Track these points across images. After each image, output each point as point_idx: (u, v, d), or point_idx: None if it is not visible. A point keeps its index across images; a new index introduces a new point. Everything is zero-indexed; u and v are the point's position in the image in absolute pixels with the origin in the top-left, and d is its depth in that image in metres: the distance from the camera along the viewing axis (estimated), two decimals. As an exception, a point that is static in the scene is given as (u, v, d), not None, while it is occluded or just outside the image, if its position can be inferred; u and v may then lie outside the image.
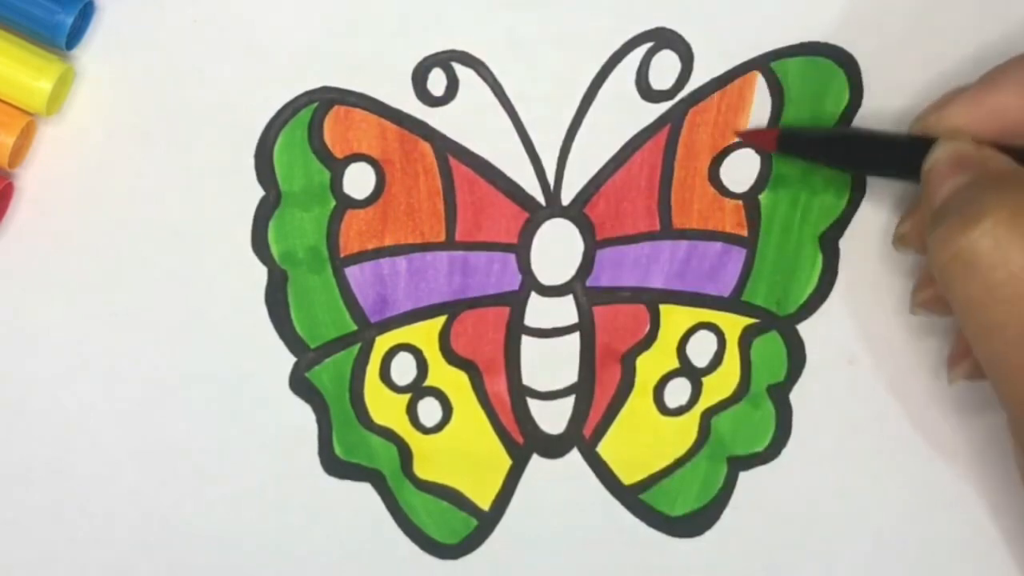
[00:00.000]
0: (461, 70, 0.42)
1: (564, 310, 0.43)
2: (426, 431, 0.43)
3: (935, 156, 0.38)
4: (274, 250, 0.42)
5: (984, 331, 0.36)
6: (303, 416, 0.42)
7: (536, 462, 0.43)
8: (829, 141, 0.42)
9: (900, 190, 0.43)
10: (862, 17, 0.42)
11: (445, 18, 0.41)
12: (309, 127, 0.41)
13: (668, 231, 0.43)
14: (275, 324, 0.42)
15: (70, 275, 0.42)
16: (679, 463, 0.44)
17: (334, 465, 0.43)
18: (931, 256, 0.36)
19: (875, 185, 0.42)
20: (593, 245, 0.43)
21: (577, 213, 0.42)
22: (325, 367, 0.42)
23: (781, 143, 0.42)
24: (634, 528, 0.43)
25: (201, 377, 0.42)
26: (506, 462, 0.43)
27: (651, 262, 0.43)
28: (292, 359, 0.42)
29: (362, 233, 0.42)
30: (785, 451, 0.44)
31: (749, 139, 0.42)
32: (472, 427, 0.43)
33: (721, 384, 0.43)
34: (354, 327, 0.42)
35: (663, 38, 0.42)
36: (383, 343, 0.43)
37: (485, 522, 0.43)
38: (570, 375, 0.43)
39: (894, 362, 0.44)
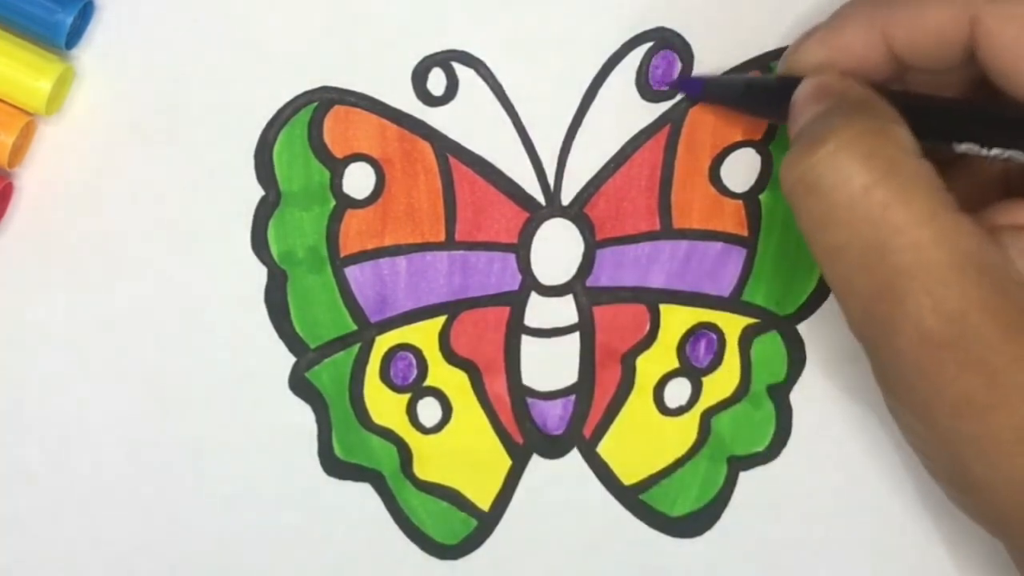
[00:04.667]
0: (461, 70, 0.42)
1: (564, 310, 0.43)
2: (426, 431, 0.43)
3: (799, 90, 0.38)
4: (274, 250, 0.42)
5: (827, 254, 0.35)
6: (303, 416, 0.42)
7: (536, 462, 0.43)
8: (745, 88, 0.41)
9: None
10: (862, 17, 0.42)
11: (445, 18, 0.41)
12: (309, 127, 0.41)
13: (668, 231, 0.43)
14: (275, 324, 0.42)
15: (70, 275, 0.42)
16: (679, 463, 0.44)
17: (334, 465, 0.43)
18: (781, 181, 0.36)
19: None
20: (593, 245, 0.43)
21: (577, 213, 0.42)
22: (325, 367, 0.42)
23: (706, 92, 0.41)
24: (634, 528, 0.43)
25: (201, 377, 0.42)
26: (506, 462, 0.43)
27: (651, 262, 0.43)
28: (292, 359, 0.42)
29: (362, 233, 0.42)
30: (785, 451, 0.43)
31: (677, 87, 0.42)
32: (472, 427, 0.43)
33: (721, 384, 0.43)
34: (354, 327, 0.42)
35: (663, 38, 0.42)
36: (383, 343, 0.43)
37: (485, 522, 0.43)
38: (570, 375, 0.43)
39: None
